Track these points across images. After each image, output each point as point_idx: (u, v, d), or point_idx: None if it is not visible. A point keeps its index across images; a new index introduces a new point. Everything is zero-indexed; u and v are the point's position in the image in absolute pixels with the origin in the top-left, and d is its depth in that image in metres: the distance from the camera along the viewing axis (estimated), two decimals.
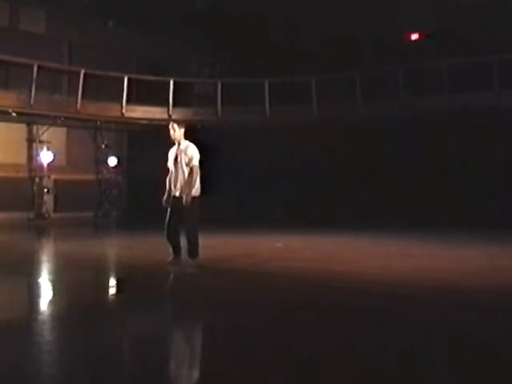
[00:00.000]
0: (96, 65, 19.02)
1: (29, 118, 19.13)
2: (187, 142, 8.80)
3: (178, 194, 8.66)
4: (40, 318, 5.97)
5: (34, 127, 19.64)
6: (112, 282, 8.74)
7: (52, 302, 6.89)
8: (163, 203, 8.82)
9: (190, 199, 8.49)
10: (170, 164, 8.84)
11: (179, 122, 9.02)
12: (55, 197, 19.81)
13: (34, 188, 19.40)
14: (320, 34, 19.30)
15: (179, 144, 8.76)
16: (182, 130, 8.79)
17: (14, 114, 18.26)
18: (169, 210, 8.73)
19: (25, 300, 7.20)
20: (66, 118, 19.18)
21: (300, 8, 18.69)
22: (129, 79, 19.20)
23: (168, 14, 19.53)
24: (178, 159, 8.69)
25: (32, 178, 19.55)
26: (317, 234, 13.81)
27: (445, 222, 15.62)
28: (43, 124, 19.37)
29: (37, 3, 19.69)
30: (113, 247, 13.36)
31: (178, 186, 8.67)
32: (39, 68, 17.63)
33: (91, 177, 20.92)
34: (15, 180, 19.02)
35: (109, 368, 4.25)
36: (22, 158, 19.71)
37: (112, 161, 20.70)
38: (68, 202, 19.57)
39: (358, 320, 5.69)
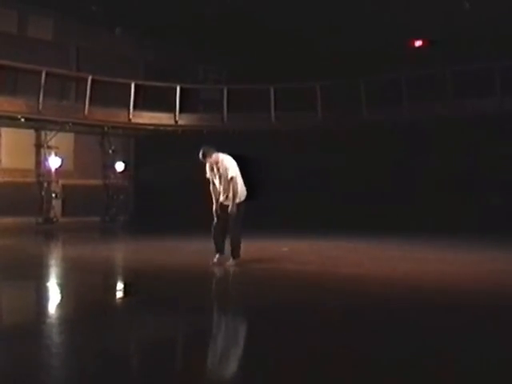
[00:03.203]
0: (103, 71, 19.18)
1: (37, 124, 19.28)
2: (224, 156, 9.12)
3: (222, 200, 9.08)
4: (48, 321, 6.02)
5: (42, 133, 19.79)
6: (119, 285, 8.81)
7: (60, 306, 6.94)
8: (214, 213, 9.19)
9: (235, 209, 8.95)
10: (208, 175, 9.21)
11: (204, 153, 9.09)
12: (63, 201, 19.96)
13: (42, 193, 19.57)
14: (324, 41, 19.38)
15: (216, 162, 9.06)
16: (213, 157, 9.03)
17: (22, 120, 18.39)
18: (216, 217, 9.18)
19: (33, 303, 7.26)
20: (73, 123, 19.32)
21: (305, 15, 18.78)
22: (136, 85, 19.35)
23: (175, 21, 19.64)
24: (215, 170, 9.05)
25: (40, 183, 19.71)
26: (323, 239, 13.82)
27: (447, 226, 15.62)
28: (51, 130, 19.52)
29: (45, 10, 19.79)
30: (120, 251, 13.44)
31: (221, 193, 9.05)
32: (47, 74, 17.76)
33: (98, 182, 21.06)
34: (23, 185, 19.17)
35: (117, 371, 4.29)
36: (31, 164, 19.87)
37: (119, 166, 20.85)
38: (75, 206, 19.71)
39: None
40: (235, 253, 9.19)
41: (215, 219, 9.17)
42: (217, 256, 9.23)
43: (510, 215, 15.35)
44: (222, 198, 9.08)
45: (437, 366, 4.31)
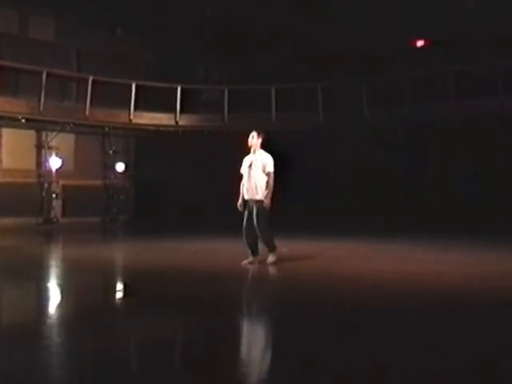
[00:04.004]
0: (104, 72, 19.20)
1: (38, 125, 19.29)
2: (262, 151, 9.36)
3: (250, 196, 9.24)
4: (49, 321, 6.05)
5: (43, 133, 19.81)
6: (119, 286, 8.84)
7: (61, 306, 6.96)
8: (238, 208, 9.39)
9: (269, 202, 9.12)
10: (244, 170, 9.40)
11: (259, 132, 9.45)
12: (63, 202, 19.97)
13: (43, 193, 19.58)
14: (326, 41, 19.37)
15: (254, 152, 9.36)
16: (260, 140, 9.36)
17: (23, 121, 18.41)
18: (245, 214, 9.33)
19: (34, 304, 7.29)
20: (74, 124, 19.32)
21: (306, 16, 18.81)
22: (137, 86, 19.34)
23: (175, 22, 19.67)
24: (253, 165, 9.26)
25: (41, 184, 19.72)
26: (323, 240, 13.82)
27: (450, 227, 15.61)
28: (52, 130, 19.54)
29: (46, 11, 19.84)
30: (120, 252, 13.42)
31: (251, 190, 9.23)
32: (48, 75, 17.76)
33: (99, 182, 21.08)
34: (24, 185, 19.18)
35: (117, 372, 4.30)
36: (31, 164, 19.89)
37: (120, 166, 20.86)
38: (76, 207, 19.74)
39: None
40: (271, 247, 9.42)
41: (244, 221, 9.33)
42: (250, 257, 9.42)
43: (509, 215, 15.33)
44: (249, 196, 9.25)
45: None
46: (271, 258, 9.46)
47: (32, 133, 19.81)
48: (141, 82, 19.75)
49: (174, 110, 19.88)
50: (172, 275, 8.91)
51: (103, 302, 7.27)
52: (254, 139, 9.35)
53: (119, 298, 7.76)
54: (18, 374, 4.17)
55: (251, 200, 9.23)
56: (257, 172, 9.22)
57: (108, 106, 19.32)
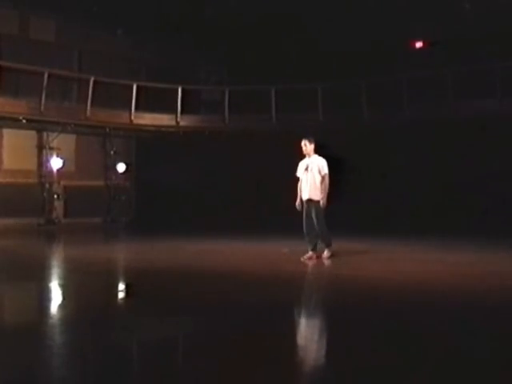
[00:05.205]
0: (105, 72, 19.26)
1: (39, 125, 19.35)
2: (316, 155, 10.23)
3: (308, 197, 10.07)
4: (51, 321, 6.07)
5: (44, 134, 19.89)
6: (121, 286, 8.86)
7: (63, 306, 6.98)
8: (296, 207, 10.22)
9: (325, 201, 9.96)
10: (300, 173, 10.27)
11: (310, 139, 10.24)
12: (65, 202, 20.04)
13: (44, 194, 19.64)
14: (326, 43, 19.41)
15: (309, 157, 10.20)
16: (312, 146, 10.20)
17: (24, 121, 18.47)
18: (304, 213, 10.12)
19: (36, 304, 7.31)
20: (75, 124, 19.39)
21: (306, 17, 18.83)
22: (137, 86, 19.40)
23: (176, 23, 19.70)
24: (309, 169, 10.12)
25: (42, 184, 19.79)
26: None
27: (448, 228, 15.62)
28: (53, 131, 19.61)
29: (47, 12, 19.87)
30: (121, 252, 13.46)
31: (309, 191, 10.06)
32: (49, 76, 17.82)
33: (100, 183, 21.14)
34: (25, 186, 19.25)
35: (118, 371, 4.32)
36: (33, 165, 19.95)
37: (121, 167, 20.90)
38: (77, 207, 19.80)
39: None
40: (327, 242, 10.23)
41: (304, 220, 10.09)
42: (310, 252, 10.08)
43: (509, 216, 15.34)
44: (307, 196, 10.03)
45: None
46: (327, 253, 10.25)
47: (33, 133, 19.87)
48: (142, 83, 19.82)
49: (174, 111, 19.92)
50: (172, 275, 8.95)
51: (105, 301, 7.30)
52: (308, 146, 10.17)
53: (121, 298, 7.78)
54: (20, 374, 4.20)
55: (309, 200, 10.05)
56: (313, 174, 10.07)
57: (109, 107, 19.36)
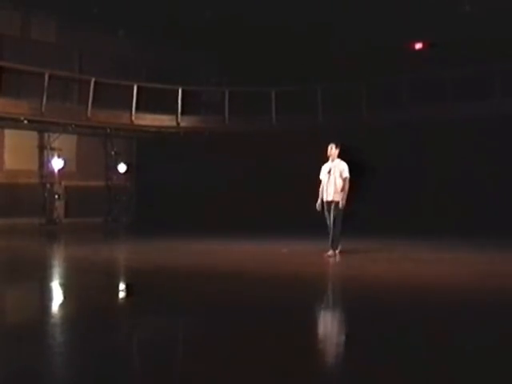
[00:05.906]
0: (106, 73, 19.30)
1: (40, 126, 19.38)
2: (339, 160, 10.81)
3: (330, 199, 10.64)
4: (52, 320, 6.11)
5: (46, 135, 19.93)
6: (122, 285, 8.90)
7: (64, 306, 7.02)
8: (317, 208, 10.75)
9: (344, 203, 10.55)
10: (323, 176, 10.82)
11: (336, 143, 10.83)
12: (66, 203, 20.09)
13: (45, 194, 19.69)
14: (325, 44, 19.44)
15: (333, 160, 10.78)
16: (337, 151, 10.80)
17: (25, 122, 18.51)
18: (326, 214, 10.70)
19: (37, 303, 7.34)
20: (76, 125, 19.43)
21: (305, 19, 18.86)
22: (138, 87, 19.44)
23: (177, 24, 19.73)
24: (331, 172, 10.69)
25: (43, 185, 19.84)
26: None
27: (448, 228, 15.64)
28: (54, 131, 19.66)
29: (48, 13, 19.92)
30: (122, 252, 13.49)
31: (331, 193, 10.64)
32: (50, 76, 17.84)
33: (101, 183, 21.19)
34: (27, 186, 19.29)
35: (119, 370, 4.35)
36: (34, 165, 20.00)
37: (121, 167, 20.95)
38: (78, 207, 19.85)
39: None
40: (335, 244, 10.72)
41: (327, 220, 10.63)
42: (331, 250, 10.68)
43: (509, 216, 15.38)
44: (329, 198, 10.58)
45: None
46: (331, 253, 10.68)
47: (34, 134, 19.92)
48: (142, 84, 19.84)
49: (175, 112, 19.96)
50: (173, 275, 9.00)
51: (106, 301, 7.32)
52: (333, 150, 10.77)
53: (122, 298, 7.82)
54: (21, 374, 4.22)
55: (331, 202, 10.60)
56: (335, 177, 10.65)
57: (110, 108, 19.38)
